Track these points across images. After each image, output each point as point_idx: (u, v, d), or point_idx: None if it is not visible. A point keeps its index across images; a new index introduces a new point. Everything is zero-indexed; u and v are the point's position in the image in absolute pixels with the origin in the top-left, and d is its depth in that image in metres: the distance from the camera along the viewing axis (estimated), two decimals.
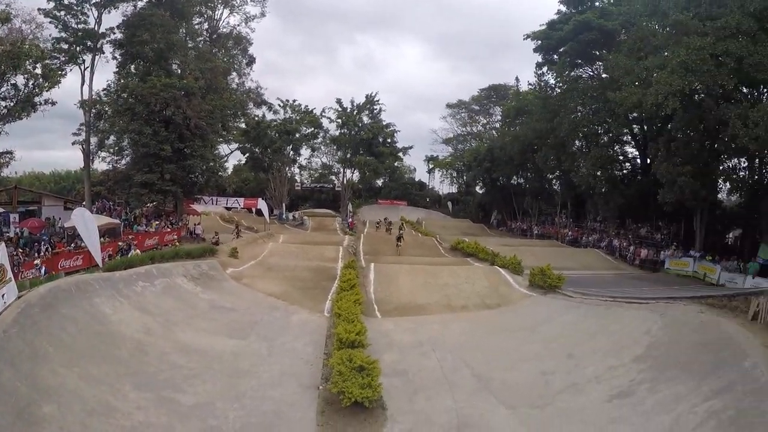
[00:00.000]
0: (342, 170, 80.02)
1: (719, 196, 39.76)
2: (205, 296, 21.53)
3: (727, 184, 36.34)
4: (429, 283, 25.45)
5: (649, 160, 44.48)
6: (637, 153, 49.78)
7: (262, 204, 49.84)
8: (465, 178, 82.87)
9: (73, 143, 39.36)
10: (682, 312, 16.01)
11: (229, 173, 74.41)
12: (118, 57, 41.26)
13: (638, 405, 12.45)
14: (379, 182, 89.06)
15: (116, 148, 40.01)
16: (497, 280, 26.28)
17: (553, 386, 14.37)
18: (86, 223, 21.93)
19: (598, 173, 45.29)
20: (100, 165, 43.94)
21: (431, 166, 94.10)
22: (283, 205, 65.14)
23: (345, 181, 78.35)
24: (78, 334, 13.79)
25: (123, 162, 40.43)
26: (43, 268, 22.26)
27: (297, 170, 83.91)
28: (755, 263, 29.82)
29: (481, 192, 79.95)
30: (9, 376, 10.61)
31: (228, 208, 55.92)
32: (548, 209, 61.01)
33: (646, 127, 46.67)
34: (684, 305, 16.48)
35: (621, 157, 50.45)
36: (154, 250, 27.52)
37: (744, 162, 35.35)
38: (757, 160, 33.85)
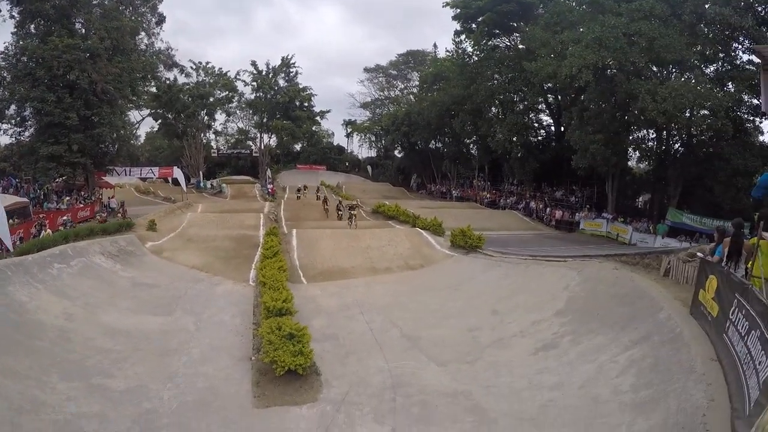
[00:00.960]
0: (259, 135, 78.70)
1: (629, 163, 42.79)
2: (125, 274, 20.80)
3: (637, 152, 39.38)
4: (352, 247, 25.61)
5: (563, 128, 47.46)
6: (551, 121, 52.01)
7: (177, 173, 48.22)
8: (383, 142, 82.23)
9: None
10: (598, 268, 16.91)
11: (142, 141, 71.18)
12: (15, 15, 37.17)
13: (562, 356, 13.09)
14: (298, 147, 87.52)
15: (18, 118, 36.59)
16: (419, 242, 26.75)
17: (480, 342, 14.94)
18: None
19: (514, 139, 47.01)
20: (2, 138, 40.69)
21: (349, 131, 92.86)
22: (200, 173, 63.32)
23: (263, 147, 76.92)
24: None
25: (27, 134, 37.26)
26: None
27: (212, 136, 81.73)
28: (664, 225, 32.38)
29: (400, 156, 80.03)
30: None
31: (143, 179, 53.65)
32: (466, 172, 62.22)
33: (560, 97, 48.54)
34: (599, 262, 17.40)
35: (536, 125, 52.23)
36: (66, 229, 26.09)
37: (652, 133, 37.65)
38: (664, 131, 36.28)
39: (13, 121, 36.78)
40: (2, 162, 44.03)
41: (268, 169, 68.89)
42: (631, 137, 37.77)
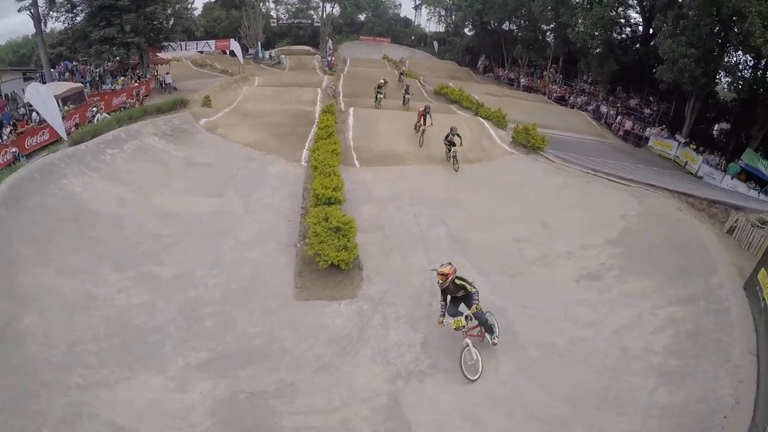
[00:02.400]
0: (321, 4, 74.79)
1: (717, 87, 37.38)
2: (179, 153, 20.69)
3: (728, 78, 33.32)
4: (410, 132, 24.46)
5: (652, 31, 41.30)
6: (641, 20, 45.00)
7: (234, 45, 47.08)
8: (454, 18, 76.20)
9: (20, 10, 33.52)
10: (662, 204, 15.50)
11: (199, 13, 69.26)
12: None
13: (604, 292, 12.36)
14: (362, 17, 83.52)
15: (68, 5, 34.80)
16: (480, 133, 25.27)
17: (525, 255, 14.31)
18: (42, 97, 20.42)
19: (596, 33, 41.28)
20: (55, 25, 39.24)
21: (418, 3, 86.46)
22: (259, 43, 61.57)
23: (324, 16, 73.43)
24: (50, 224, 13.18)
25: (78, 19, 35.50)
26: (15, 151, 20.88)
27: (272, 5, 78.65)
28: (737, 165, 28.83)
29: (470, 35, 73.65)
30: None
31: (200, 52, 52.65)
32: (538, 61, 57.14)
33: None
34: (664, 197, 15.90)
35: (623, 21, 45.65)
36: (120, 112, 25.94)
37: (751, 60, 31.96)
38: (765, 61, 30.69)
39: (63, 8, 35.21)
40: (58, 47, 43.51)
41: (330, 40, 66.38)
42: (726, 60, 32.30)
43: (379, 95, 30.04)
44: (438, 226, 15.83)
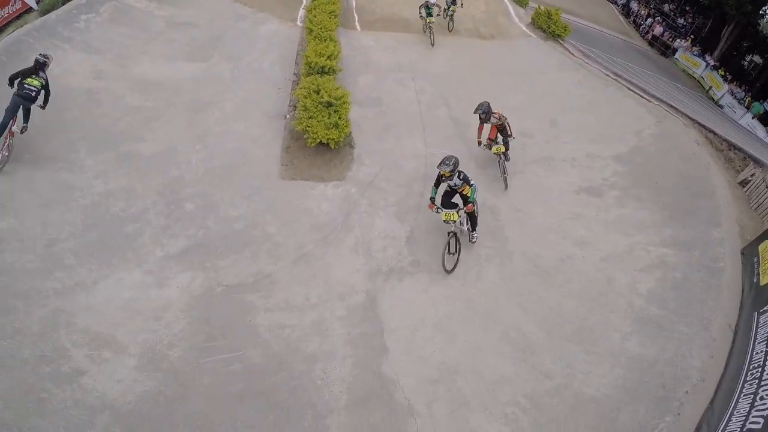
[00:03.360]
0: None
1: (760, 20, 33.08)
2: (161, 13, 18.88)
3: None
4: None
5: None
6: None
7: None
8: None
9: None
10: (680, 131, 14.18)
11: None
12: None
13: (601, 211, 11.69)
14: None
15: None
16: (497, 8, 22.72)
17: (527, 153, 13.37)
18: None
19: None
20: None
21: None
22: None
23: None
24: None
25: None
26: None
27: None
28: (761, 105, 26.48)
29: None
30: None
31: None
32: None
33: None
34: (684, 124, 14.50)
35: None
36: None
37: None
38: None
39: None
40: None
41: None
42: None
43: (428, 14, 18.40)
44: (439, 107, 14.70)
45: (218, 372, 7.94)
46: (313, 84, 12.93)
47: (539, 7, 21.90)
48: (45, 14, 16.25)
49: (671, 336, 8.88)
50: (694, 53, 31.65)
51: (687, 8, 37.21)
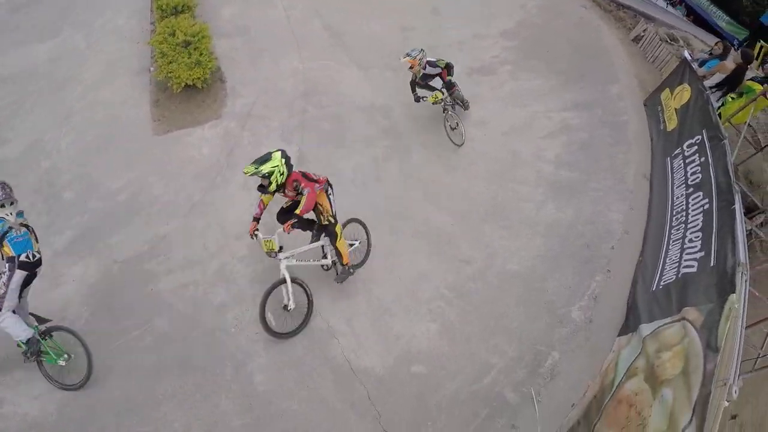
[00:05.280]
0: None
1: None
2: None
3: None
4: None
5: None
6: None
7: None
8: None
9: None
10: None
11: None
12: None
13: (496, 87, 11.25)
14: None
15: None
16: None
17: (411, 45, 12.27)
18: None
19: None
20: None
21: None
22: None
23: None
24: None
25: None
26: None
27: None
28: None
29: None
30: None
31: None
32: None
33: None
34: None
35: None
36: None
37: None
38: None
39: None
40: None
41: None
42: None
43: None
44: (312, 20, 13.66)
45: (131, 351, 7.43)
46: (168, 27, 11.86)
47: None
48: None
49: (586, 195, 8.75)
50: None
51: None
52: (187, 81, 10.94)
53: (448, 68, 9.87)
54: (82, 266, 8.62)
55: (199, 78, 11.02)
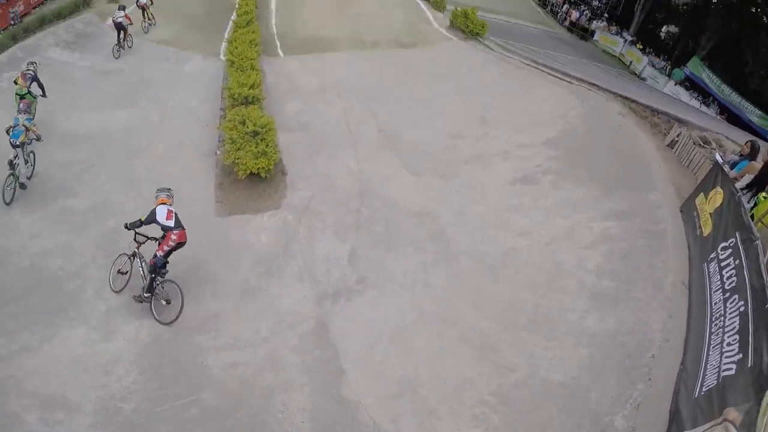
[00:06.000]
0: None
1: None
2: (85, 63, 18.51)
3: None
4: (339, 13, 22.53)
5: None
6: None
7: None
8: None
9: None
10: (603, 106, 14.82)
11: None
12: None
13: (539, 197, 11.84)
14: None
15: None
16: (415, 15, 23.34)
17: (460, 153, 13.60)
18: None
19: None
20: None
21: None
22: None
23: None
24: None
25: None
26: None
27: None
28: (681, 71, 27.82)
29: None
30: None
31: None
32: None
33: None
34: (606, 99, 15.19)
35: None
36: (12, 26, 22.85)
37: None
38: None
39: None
40: None
41: None
42: None
43: None
44: (368, 121, 14.87)
45: (175, 419, 7.72)
46: (238, 115, 12.94)
47: (456, 9, 22.45)
48: None
49: (627, 305, 8.95)
50: (612, 32, 32.65)
51: None
52: (252, 169, 11.79)
53: None
54: (135, 327, 9.09)
55: (263, 168, 11.89)
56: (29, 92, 13.87)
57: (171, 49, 20.26)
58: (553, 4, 37.45)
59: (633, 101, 15.36)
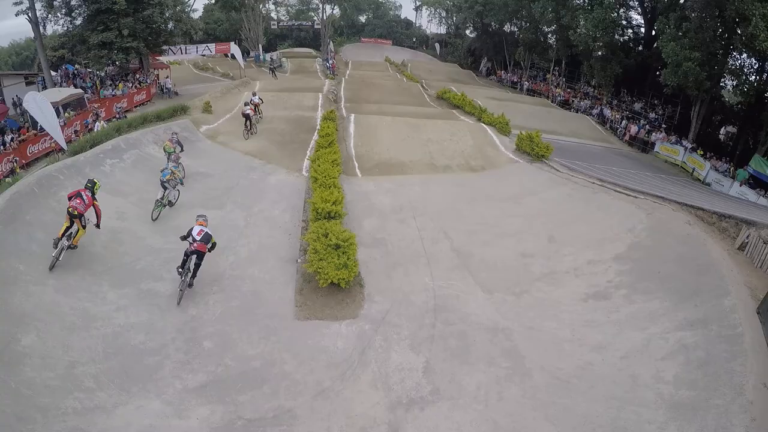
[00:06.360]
0: (321, 6, 74.58)
1: (723, 92, 36.76)
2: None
3: (734, 82, 32.85)
4: (412, 138, 24.35)
5: (654, 33, 39.90)
6: (642, 21, 44.19)
7: (234, 48, 46.73)
8: (455, 19, 75.94)
9: (17, 14, 32.69)
10: (669, 217, 15.28)
11: (200, 15, 68.90)
12: None
13: (612, 312, 12.10)
14: (362, 19, 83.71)
15: (65, 9, 33.77)
16: (483, 140, 25.12)
17: (531, 272, 14.10)
18: (40, 106, 20.00)
19: (598, 35, 40.42)
20: (54, 28, 38.24)
21: (418, 4, 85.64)
22: (259, 46, 61.44)
23: (324, 18, 73.15)
24: (49, 239, 12.67)
25: (77, 23, 34.55)
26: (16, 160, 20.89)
27: (272, 7, 78.70)
28: (745, 171, 28.21)
29: (471, 36, 73.39)
30: None
31: (201, 56, 52.55)
32: (541, 64, 56.35)
33: None
34: (673, 210, 15.69)
35: (624, 22, 44.61)
36: (119, 120, 25.72)
37: (756, 64, 31.40)
38: None
39: (60, 12, 34.08)
40: (60, 49, 43.04)
41: (330, 42, 66.28)
42: (730, 63, 31.59)
43: None
44: (442, 241, 15.65)
45: None
46: (322, 228, 13.83)
47: (521, 133, 23.92)
48: (74, 155, 17.56)
49: (708, 413, 8.75)
50: (672, 142, 33.20)
51: (655, 102, 39.62)
52: (333, 279, 12.49)
53: None
54: (208, 409, 9.40)
55: (344, 279, 12.56)
56: (174, 150, 18.95)
57: (257, 161, 22.16)
58: (611, 121, 38.93)
59: (699, 209, 15.59)
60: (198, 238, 12.55)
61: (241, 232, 15.92)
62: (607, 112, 40.22)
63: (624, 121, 37.85)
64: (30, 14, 32.05)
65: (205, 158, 21.77)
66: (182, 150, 19.74)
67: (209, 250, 12.82)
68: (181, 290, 12.45)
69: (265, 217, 17.02)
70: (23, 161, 21.44)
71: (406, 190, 19.45)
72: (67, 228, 12.57)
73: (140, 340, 10.96)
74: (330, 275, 12.49)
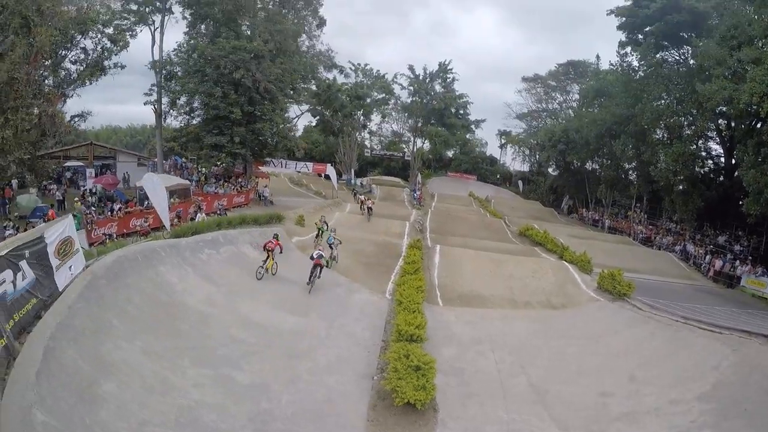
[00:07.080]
0: (412, 139, 79.76)
1: None
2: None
3: None
4: (494, 273, 24.99)
5: (734, 161, 40.67)
6: (721, 151, 45.30)
7: (330, 170, 50.17)
8: (538, 157, 79.42)
9: (145, 103, 40.29)
10: (757, 351, 15.05)
11: (300, 133, 74.75)
12: (187, 17, 41.77)
13: None
14: (450, 154, 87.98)
15: (187, 108, 40.41)
16: (564, 278, 25.52)
17: (610, 411, 13.94)
18: (155, 188, 22.54)
19: (678, 169, 41.13)
20: (172, 122, 45.03)
21: (503, 142, 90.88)
22: (352, 171, 65.33)
23: (415, 150, 77.62)
24: (143, 305, 14.03)
25: (194, 122, 40.74)
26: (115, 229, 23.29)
27: (367, 136, 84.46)
28: None
29: (553, 174, 76.60)
30: (72, 355, 10.94)
31: (297, 172, 56.61)
32: (622, 200, 57.92)
33: (734, 124, 41.16)
34: (759, 344, 15.44)
35: (704, 153, 45.51)
36: (220, 216, 28.06)
37: None
38: None
39: (182, 110, 40.78)
40: (171, 141, 48.09)
41: (419, 174, 69.65)
42: None
43: None
44: (518, 375, 15.72)
45: None
46: (403, 349, 14.33)
47: (603, 271, 23.96)
48: (176, 237, 19.36)
49: None
50: (758, 274, 31.63)
51: (739, 233, 38.53)
52: (410, 399, 12.77)
53: None
54: None
55: (420, 400, 12.80)
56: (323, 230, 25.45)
57: (343, 278, 23.25)
58: (695, 257, 37.83)
59: None
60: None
61: (322, 341, 16.57)
62: (690, 247, 39.63)
63: (708, 256, 37.12)
64: (155, 106, 37.48)
65: (294, 267, 22.95)
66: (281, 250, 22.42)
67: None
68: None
69: (346, 332, 17.67)
70: (124, 230, 23.70)
71: (486, 323, 19.78)
72: None
73: (212, 419, 11.46)
74: (407, 395, 12.83)
